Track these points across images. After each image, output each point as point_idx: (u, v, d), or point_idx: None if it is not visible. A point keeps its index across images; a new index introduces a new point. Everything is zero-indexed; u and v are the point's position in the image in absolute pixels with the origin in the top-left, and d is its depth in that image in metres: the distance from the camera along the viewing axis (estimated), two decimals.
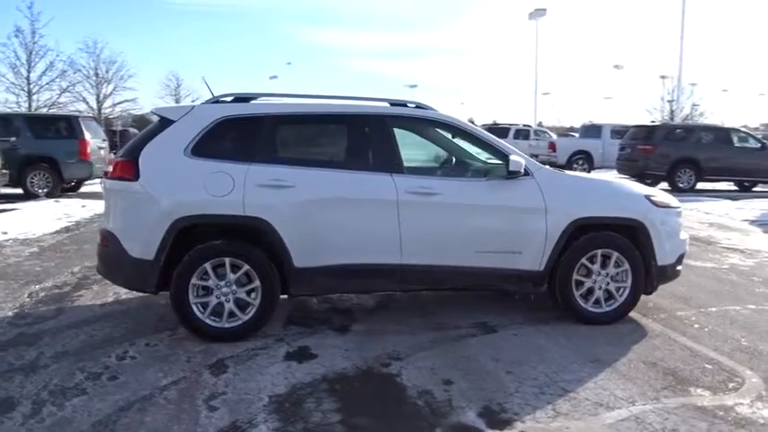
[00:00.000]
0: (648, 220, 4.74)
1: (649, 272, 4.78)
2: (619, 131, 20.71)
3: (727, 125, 23.58)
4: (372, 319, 4.92)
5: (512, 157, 4.51)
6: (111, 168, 4.44)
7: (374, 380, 3.75)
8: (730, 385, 3.70)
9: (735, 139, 16.57)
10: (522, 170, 4.53)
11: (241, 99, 4.58)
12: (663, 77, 57.91)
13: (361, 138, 4.56)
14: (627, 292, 4.77)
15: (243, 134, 4.44)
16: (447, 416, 3.27)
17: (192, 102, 5.08)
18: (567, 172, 4.98)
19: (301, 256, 4.32)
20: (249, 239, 4.33)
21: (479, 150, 4.91)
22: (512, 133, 25.74)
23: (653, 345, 4.35)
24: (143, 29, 73.11)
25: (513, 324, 4.76)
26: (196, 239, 4.27)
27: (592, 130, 22.69)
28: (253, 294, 4.33)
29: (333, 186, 4.38)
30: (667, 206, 4.91)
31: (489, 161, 4.95)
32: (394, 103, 4.76)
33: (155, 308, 5.15)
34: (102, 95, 36.91)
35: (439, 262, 4.52)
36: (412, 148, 4.93)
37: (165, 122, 4.40)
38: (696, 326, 4.78)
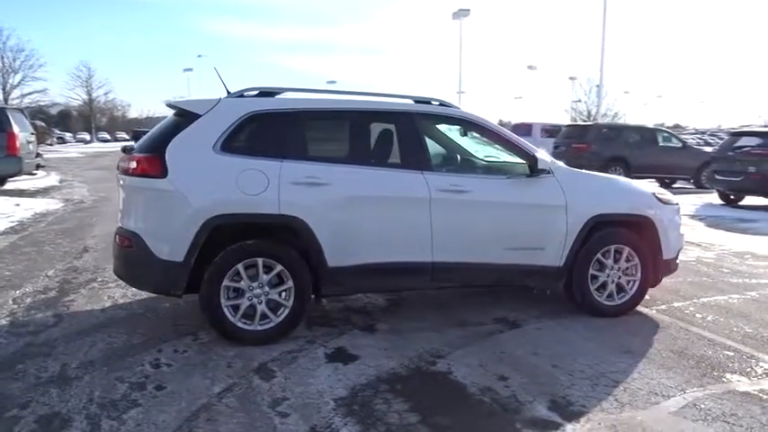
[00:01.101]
0: (656, 217, 4.98)
1: (656, 266, 5.03)
2: (548, 130, 21.51)
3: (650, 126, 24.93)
4: (393, 317, 4.88)
5: (539, 156, 4.61)
6: (129, 164, 4.15)
7: (429, 378, 3.74)
8: (759, 370, 3.94)
9: (659, 139, 17.58)
10: (547, 168, 4.65)
11: (266, 93, 4.42)
12: (572, 78, 60.71)
13: (392, 135, 4.52)
14: (636, 285, 4.99)
15: (273, 130, 4.29)
16: (520, 411, 3.31)
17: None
18: (580, 170, 5.10)
19: (335, 255, 4.23)
20: (281, 239, 4.20)
21: (499, 149, 4.97)
22: None
23: (670, 335, 4.57)
24: (55, 19, 68.89)
25: (532, 318, 4.86)
26: (222, 240, 4.09)
27: (522, 129, 23.43)
28: (285, 295, 4.20)
29: (367, 184, 4.32)
30: (670, 203, 5.17)
31: (505, 160, 5.03)
32: (418, 101, 4.75)
33: (161, 311, 4.91)
34: (9, 85, 34.43)
35: (468, 259, 4.56)
36: (436, 146, 4.94)
37: (189, 116, 4.19)
38: (698, 316, 5.06)
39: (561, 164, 4.96)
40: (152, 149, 4.10)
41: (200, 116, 4.16)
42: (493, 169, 5.08)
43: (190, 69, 73.38)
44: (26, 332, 4.37)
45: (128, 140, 59.36)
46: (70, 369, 3.73)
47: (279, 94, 4.45)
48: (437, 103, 4.79)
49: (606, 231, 4.86)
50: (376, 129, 4.59)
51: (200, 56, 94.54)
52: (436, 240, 4.43)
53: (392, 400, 3.40)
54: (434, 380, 3.71)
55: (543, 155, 4.67)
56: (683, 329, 4.70)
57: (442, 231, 4.44)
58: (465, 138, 5.33)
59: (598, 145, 16.78)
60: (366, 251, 4.32)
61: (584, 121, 34.90)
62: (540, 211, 4.70)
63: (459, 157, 5.22)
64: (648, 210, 4.98)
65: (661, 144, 17.49)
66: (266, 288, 4.16)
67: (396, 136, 4.51)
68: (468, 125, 4.89)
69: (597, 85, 40.37)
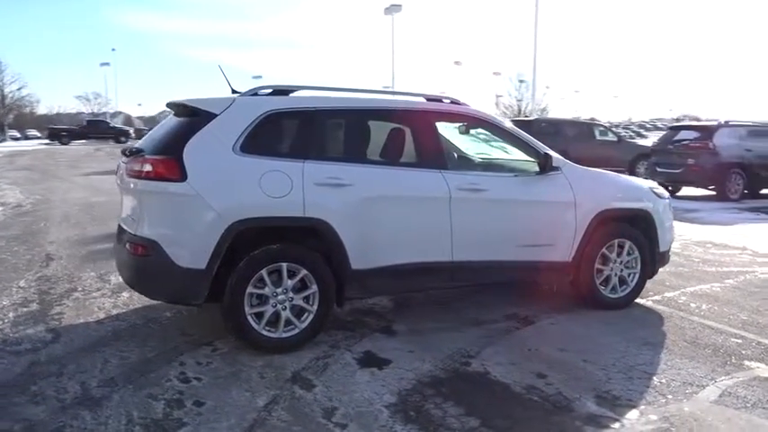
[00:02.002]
0: (655, 211, 5.15)
1: (653, 258, 5.20)
2: None
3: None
4: (406, 318, 4.81)
5: (552, 154, 4.66)
6: (142, 167, 3.88)
7: (470, 379, 3.71)
8: None
9: (596, 133, 18.25)
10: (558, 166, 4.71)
11: (280, 92, 4.26)
12: (496, 74, 62.26)
13: (410, 134, 4.45)
14: (637, 277, 5.14)
15: (293, 129, 4.14)
16: (572, 408, 3.33)
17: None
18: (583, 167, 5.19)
19: (358, 257, 4.13)
20: (304, 242, 4.06)
21: (509, 147, 4.99)
22: None
23: (677, 325, 4.73)
24: None
25: (542, 314, 4.92)
26: (240, 245, 3.91)
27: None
28: (309, 300, 4.07)
29: (389, 184, 4.23)
30: (663, 197, 5.35)
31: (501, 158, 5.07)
32: (430, 99, 4.70)
33: (164, 321, 4.67)
34: None
35: (486, 258, 4.56)
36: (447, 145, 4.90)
37: (204, 116, 3.97)
38: (693, 305, 5.27)
39: (568, 161, 5.03)
40: (167, 151, 3.86)
41: (217, 116, 3.96)
42: (504, 167, 5.09)
43: (107, 64, 70.38)
44: (24, 350, 4.04)
45: (40, 138, 56.16)
46: (92, 388, 3.47)
47: (293, 92, 4.30)
48: (448, 101, 4.76)
49: (610, 226, 4.97)
50: (394, 127, 4.50)
51: (114, 49, 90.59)
52: (456, 239, 4.41)
53: (444, 405, 3.35)
54: (476, 381, 3.69)
55: (555, 153, 4.73)
56: (685, 319, 4.87)
57: (461, 230, 4.42)
58: (461, 136, 5.33)
59: (539, 139, 17.17)
60: (389, 252, 4.24)
61: (515, 116, 35.83)
62: (551, 207, 4.76)
63: (473, 156, 5.20)
64: (647, 204, 5.14)
65: (598, 138, 18.15)
66: (290, 294, 4.01)
67: (414, 135, 4.44)
68: (481, 123, 4.88)
69: (521, 81, 41.74)
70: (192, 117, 4.02)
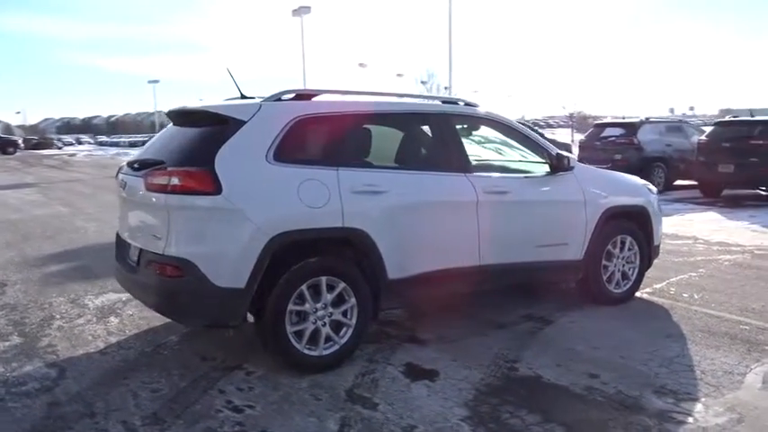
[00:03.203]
0: (650, 206, 5.34)
1: (650, 252, 5.39)
2: None
3: None
4: (425, 326, 4.70)
5: (568, 154, 4.72)
6: (169, 180, 3.54)
7: (527, 384, 3.66)
8: None
9: None
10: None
11: (303, 96, 4.04)
12: (399, 75, 63.22)
13: (437, 137, 4.36)
14: (636, 272, 5.31)
15: (323, 135, 3.94)
16: (641, 406, 3.35)
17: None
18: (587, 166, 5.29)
19: (394, 266, 4.00)
20: (341, 253, 3.88)
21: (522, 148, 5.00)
22: None
23: (684, 316, 4.90)
24: None
25: (555, 313, 4.96)
26: (280, 259, 3.67)
27: None
28: (347, 315, 3.88)
29: (421, 190, 4.12)
30: (654, 192, 5.56)
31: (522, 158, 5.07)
32: (446, 101, 4.62)
33: (173, 345, 4.35)
34: None
35: (509, 260, 4.54)
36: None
37: (233, 123, 3.69)
38: (685, 295, 5.50)
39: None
40: (197, 162, 3.55)
41: (245, 123, 3.69)
42: (512, 169, 5.08)
43: None
44: (34, 390, 3.60)
45: None
46: (139, 428, 3.13)
47: (315, 96, 4.09)
48: (463, 103, 4.70)
49: (614, 223, 5.10)
50: (421, 131, 4.39)
51: None
52: (483, 243, 4.36)
53: (518, 413, 3.28)
54: (533, 386, 3.65)
55: (570, 153, 4.79)
56: (688, 310, 5.07)
57: (488, 233, 4.37)
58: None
59: None
60: (422, 260, 4.13)
61: None
62: (565, 207, 4.82)
63: (484, 158, 5.15)
64: (644, 199, 5.32)
65: None
66: (329, 309, 3.81)
67: (440, 138, 4.35)
68: (495, 125, 4.86)
69: (423, 82, 42.71)
70: (218, 125, 3.73)
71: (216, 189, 3.48)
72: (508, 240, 4.51)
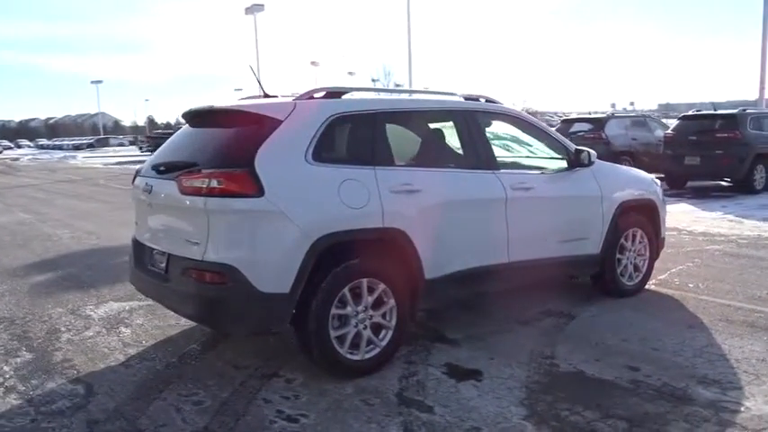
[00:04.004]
0: (658, 199, 5.44)
1: (658, 243, 5.49)
2: None
3: None
4: (449, 325, 4.65)
5: (588, 150, 4.75)
6: (209, 183, 3.38)
7: (574, 380, 3.65)
8: None
9: None
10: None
11: (333, 94, 3.93)
12: (350, 74, 63.28)
13: (466, 134, 4.31)
14: (646, 264, 5.39)
15: (358, 134, 3.84)
16: (691, 397, 3.38)
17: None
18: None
19: (430, 266, 3.95)
20: (380, 254, 3.79)
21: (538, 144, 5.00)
22: None
23: (698, 306, 5.00)
24: None
25: (574, 308, 4.99)
26: (322, 262, 3.56)
27: None
28: (387, 317, 3.81)
29: (454, 188, 4.08)
30: (658, 184, 5.66)
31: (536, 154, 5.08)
32: (468, 98, 4.58)
33: (196, 354, 4.19)
34: None
35: (535, 256, 4.54)
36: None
37: (269, 122, 3.56)
38: (690, 285, 5.62)
39: None
40: (236, 163, 3.40)
41: (282, 122, 3.56)
42: (537, 165, 5.06)
43: None
44: (66, 409, 3.39)
45: None
46: None
47: (344, 94, 3.99)
48: (484, 99, 4.67)
49: (626, 216, 5.16)
50: (453, 129, 4.33)
51: None
52: (511, 240, 4.35)
53: (575, 409, 3.27)
54: (580, 381, 3.64)
55: (585, 149, 4.83)
56: (697, 299, 5.17)
57: (515, 230, 4.36)
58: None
59: None
60: (456, 258, 4.09)
61: None
62: (584, 202, 4.85)
63: (515, 153, 5.12)
64: (654, 193, 5.41)
65: None
66: (370, 311, 3.73)
67: (468, 135, 4.31)
68: (516, 121, 4.85)
69: (374, 80, 42.83)
70: (253, 124, 3.59)
71: (258, 191, 3.35)
72: (534, 237, 4.52)
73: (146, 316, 4.98)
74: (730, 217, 9.57)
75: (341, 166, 3.67)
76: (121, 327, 4.75)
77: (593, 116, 15.67)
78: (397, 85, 36.25)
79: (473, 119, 4.37)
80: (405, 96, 4.33)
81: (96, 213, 11.74)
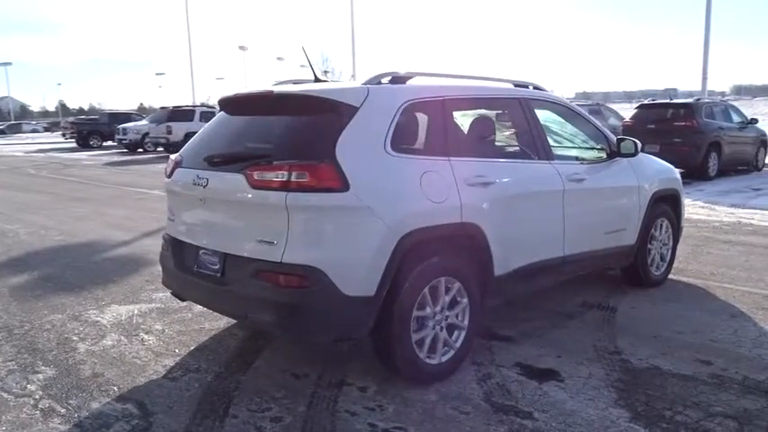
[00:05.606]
0: (680, 189, 5.46)
1: (679, 232, 5.52)
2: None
3: None
4: (494, 321, 4.46)
5: (633, 140, 4.67)
6: (288, 176, 3.05)
7: (654, 377, 3.55)
8: None
9: None
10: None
11: (399, 80, 3.65)
12: (279, 59, 62.04)
13: (524, 124, 4.12)
14: (670, 253, 5.42)
15: (431, 122, 3.58)
16: None
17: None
18: None
19: (500, 262, 3.76)
20: (457, 251, 3.56)
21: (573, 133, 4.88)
22: (197, 116, 24.39)
23: (727, 295, 5.05)
24: None
25: (611, 300, 4.94)
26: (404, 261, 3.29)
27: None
28: (460, 316, 3.60)
29: (521, 180, 3.90)
30: (678, 175, 5.68)
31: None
32: (518, 84, 4.39)
33: (245, 365, 3.80)
34: None
35: (584, 249, 4.44)
36: None
37: (345, 110, 3.25)
38: (706, 272, 5.70)
39: None
40: (317, 155, 3.08)
41: (358, 109, 3.26)
42: (580, 156, 4.91)
43: None
44: (136, 429, 2.99)
45: None
46: None
47: (409, 79, 3.71)
48: (532, 87, 4.49)
49: (656, 207, 5.14)
50: (517, 118, 4.14)
51: None
52: (567, 233, 4.22)
53: (676, 409, 3.18)
54: (661, 378, 3.54)
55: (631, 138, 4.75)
56: (721, 287, 5.23)
57: (570, 223, 4.24)
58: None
59: None
60: (521, 253, 3.92)
61: None
62: (624, 193, 4.79)
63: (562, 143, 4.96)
64: (678, 184, 5.42)
65: None
66: (446, 312, 3.51)
67: (526, 124, 4.13)
68: (563, 110, 4.70)
69: (303, 66, 42.23)
70: (327, 112, 3.26)
71: (343, 185, 3.04)
72: (585, 229, 4.41)
73: (162, 320, 4.56)
74: (700, 203, 9.87)
75: (418, 156, 3.41)
76: (141, 333, 4.32)
77: None
78: (352, 77, 35.55)
79: (530, 107, 4.20)
80: (471, 83, 4.09)
81: (42, 206, 10.84)
